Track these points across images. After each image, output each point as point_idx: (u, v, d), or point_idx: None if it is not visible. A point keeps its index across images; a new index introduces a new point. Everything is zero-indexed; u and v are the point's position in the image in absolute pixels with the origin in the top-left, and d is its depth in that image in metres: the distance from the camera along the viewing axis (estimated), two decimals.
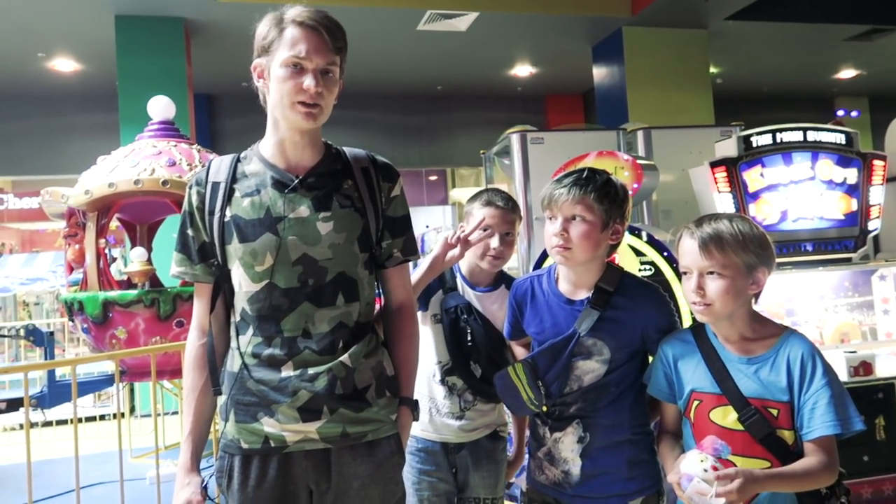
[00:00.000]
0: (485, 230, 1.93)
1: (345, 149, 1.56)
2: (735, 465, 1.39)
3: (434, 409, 1.95)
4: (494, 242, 1.94)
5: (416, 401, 1.58)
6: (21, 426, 5.59)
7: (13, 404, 3.72)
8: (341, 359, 1.42)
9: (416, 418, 1.58)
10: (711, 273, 1.48)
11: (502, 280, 2.04)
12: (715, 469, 1.35)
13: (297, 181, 1.46)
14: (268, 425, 1.41)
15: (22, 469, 4.44)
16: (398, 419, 1.51)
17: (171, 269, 1.54)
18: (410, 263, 1.63)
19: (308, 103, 1.40)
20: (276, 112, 1.46)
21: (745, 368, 1.49)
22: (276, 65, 1.41)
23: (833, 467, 1.42)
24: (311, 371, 1.41)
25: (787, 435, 1.45)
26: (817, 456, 1.41)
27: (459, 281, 2.00)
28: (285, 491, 1.42)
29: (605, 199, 1.60)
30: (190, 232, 1.50)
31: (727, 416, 1.48)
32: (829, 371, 1.45)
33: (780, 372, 1.46)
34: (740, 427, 1.46)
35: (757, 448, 1.45)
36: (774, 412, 1.45)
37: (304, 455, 1.42)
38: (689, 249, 1.51)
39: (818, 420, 1.41)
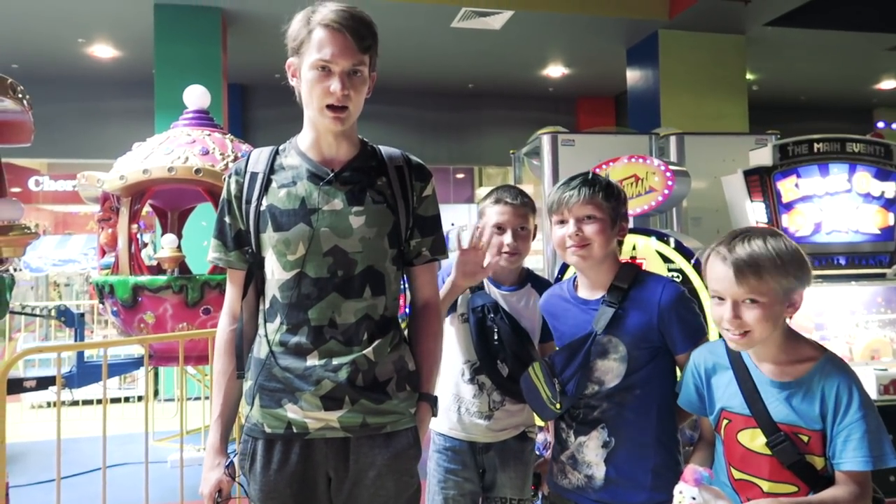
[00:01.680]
0: (498, 228, 1.94)
1: (380, 147, 1.60)
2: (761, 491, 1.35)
3: (463, 408, 1.96)
4: (508, 238, 1.94)
5: (436, 397, 1.61)
6: (49, 404, 5.72)
7: (42, 383, 3.81)
8: (365, 352, 1.46)
9: (434, 414, 1.60)
10: (747, 301, 1.38)
11: (528, 278, 2.04)
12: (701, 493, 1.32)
13: (332, 175, 1.49)
14: (291, 411, 1.44)
15: (46, 446, 4.56)
16: (417, 413, 1.55)
17: (208, 255, 1.58)
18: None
19: (336, 106, 1.43)
20: (309, 111, 1.50)
21: (776, 392, 1.42)
22: (306, 67, 1.45)
23: (865, 498, 1.36)
24: (335, 361, 1.44)
25: (818, 461, 1.39)
26: (848, 487, 1.35)
27: (486, 280, 2.00)
28: (305, 476, 1.46)
29: (611, 198, 1.66)
30: (227, 219, 1.54)
31: (755, 440, 1.42)
32: (865, 404, 1.37)
33: (815, 401, 1.39)
34: (768, 452, 1.41)
35: (785, 473, 1.40)
36: (805, 438, 1.39)
37: (324, 442, 1.46)
38: (722, 275, 1.40)
39: (850, 454, 1.34)
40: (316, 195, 1.48)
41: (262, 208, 1.49)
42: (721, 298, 1.42)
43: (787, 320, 1.47)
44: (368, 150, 1.57)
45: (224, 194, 1.55)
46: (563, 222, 1.66)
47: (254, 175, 1.52)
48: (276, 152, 1.56)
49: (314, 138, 1.53)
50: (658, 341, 1.62)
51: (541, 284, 2.05)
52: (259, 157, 1.55)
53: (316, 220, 1.46)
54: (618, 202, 1.67)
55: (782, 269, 1.37)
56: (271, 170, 1.52)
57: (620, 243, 1.72)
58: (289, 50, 1.50)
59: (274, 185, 1.50)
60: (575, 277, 1.76)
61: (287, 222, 1.46)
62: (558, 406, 1.64)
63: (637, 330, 1.61)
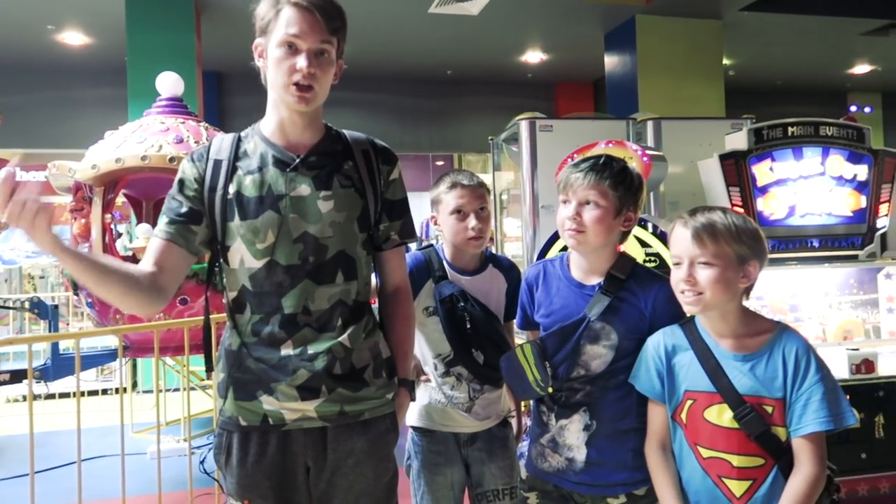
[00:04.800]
0: (458, 212, 1.91)
1: (345, 131, 1.58)
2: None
3: (443, 400, 1.92)
4: (472, 222, 1.90)
5: (413, 381, 1.62)
6: (24, 398, 5.64)
7: (17, 376, 3.75)
8: (340, 339, 1.44)
9: (412, 399, 1.61)
10: (703, 263, 1.47)
11: (489, 261, 2.02)
12: None
13: (298, 160, 1.47)
14: (267, 403, 1.43)
15: (23, 440, 4.48)
16: (395, 399, 1.55)
17: (154, 231, 1.51)
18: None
19: (302, 84, 1.41)
20: (274, 92, 1.47)
21: (739, 365, 1.48)
22: (273, 45, 1.43)
23: (823, 465, 1.41)
24: (310, 350, 1.43)
25: (781, 432, 1.45)
26: (804, 469, 1.40)
27: (448, 269, 1.96)
28: (284, 467, 1.45)
29: (619, 185, 1.62)
30: (178, 198, 1.48)
31: (722, 415, 1.47)
32: (822, 367, 1.45)
33: (777, 368, 1.45)
34: (735, 425, 1.45)
35: (751, 446, 1.45)
36: (769, 409, 1.45)
37: (302, 433, 1.45)
38: (681, 238, 1.50)
39: (810, 416, 1.41)
40: (282, 181, 1.45)
41: (229, 196, 1.46)
42: (679, 263, 1.50)
43: (745, 299, 1.53)
44: (333, 134, 1.55)
45: (178, 175, 1.50)
46: (566, 202, 1.65)
47: (217, 162, 1.49)
48: (239, 139, 1.53)
49: (278, 122, 1.50)
50: (647, 334, 1.63)
51: (501, 264, 2.04)
52: (222, 145, 1.52)
53: (284, 207, 1.44)
54: (628, 191, 1.63)
55: (736, 235, 1.47)
56: (236, 157, 1.49)
57: (626, 234, 1.68)
58: (256, 30, 1.47)
59: (239, 171, 1.47)
60: (566, 256, 1.75)
61: (254, 210, 1.44)
62: (551, 389, 1.64)
63: (630, 321, 1.62)
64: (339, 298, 1.46)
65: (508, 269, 2.04)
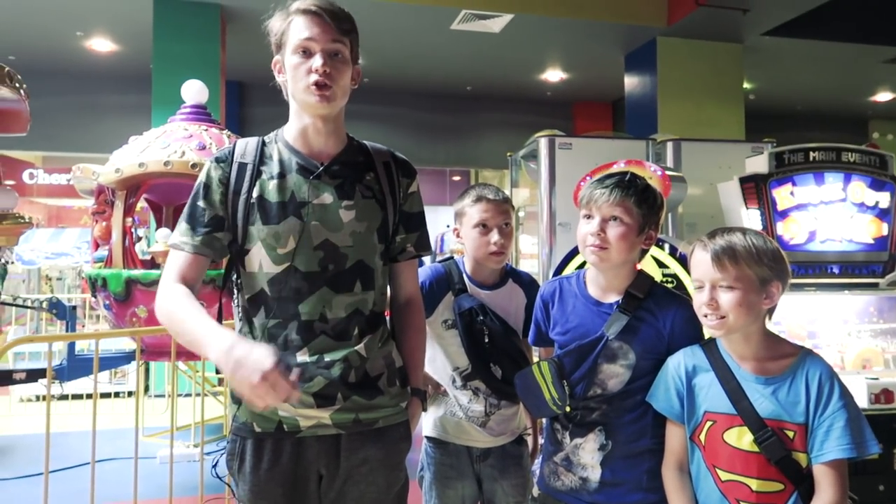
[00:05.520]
0: (483, 227, 1.90)
1: (367, 143, 1.59)
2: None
3: (460, 413, 1.92)
4: (494, 236, 1.90)
5: (425, 391, 1.62)
6: (37, 398, 5.68)
7: (32, 375, 3.78)
8: (356, 348, 1.45)
9: (424, 409, 1.61)
10: (724, 286, 1.46)
11: (509, 275, 2.01)
12: None
13: (321, 168, 1.48)
14: (282, 409, 1.43)
15: (34, 440, 4.54)
16: (408, 408, 1.55)
17: (171, 238, 1.51)
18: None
19: (320, 83, 1.42)
20: (296, 99, 1.49)
21: (761, 388, 1.46)
22: (288, 54, 1.46)
23: (844, 493, 1.39)
24: (327, 358, 1.43)
25: (802, 458, 1.43)
26: (831, 489, 1.38)
27: (467, 282, 1.96)
28: (296, 475, 1.45)
29: (643, 203, 1.61)
30: (201, 204, 1.48)
31: (742, 438, 1.45)
32: (845, 393, 1.43)
33: (800, 392, 1.44)
34: (755, 449, 1.43)
35: (771, 470, 1.43)
36: (791, 434, 1.43)
37: (315, 440, 1.44)
38: (701, 261, 1.49)
39: (833, 443, 1.39)
40: (306, 188, 1.46)
41: (252, 200, 1.46)
42: (701, 287, 1.49)
43: (768, 320, 1.52)
44: (355, 144, 1.57)
45: (203, 179, 1.49)
46: (589, 217, 1.64)
47: (242, 165, 1.49)
48: (263, 143, 1.53)
49: (301, 129, 1.51)
50: (665, 355, 1.61)
51: (521, 279, 2.03)
52: (246, 148, 1.52)
53: (306, 214, 1.45)
54: (650, 209, 1.63)
55: (757, 258, 1.46)
56: (260, 161, 1.50)
57: (644, 251, 1.68)
58: (273, 48, 1.50)
59: (263, 176, 1.48)
60: (583, 273, 1.74)
61: (277, 215, 1.45)
62: (568, 409, 1.63)
63: (648, 341, 1.61)
64: (356, 308, 1.46)
65: (528, 284, 2.04)
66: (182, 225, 1.49)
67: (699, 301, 1.49)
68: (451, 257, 2.04)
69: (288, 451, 1.44)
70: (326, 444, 1.45)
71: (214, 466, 1.51)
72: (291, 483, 1.44)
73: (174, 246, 1.48)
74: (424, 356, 1.66)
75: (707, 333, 1.56)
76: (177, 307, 1.40)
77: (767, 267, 1.46)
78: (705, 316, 1.49)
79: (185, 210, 1.50)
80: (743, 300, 1.45)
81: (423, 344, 1.64)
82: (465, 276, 1.97)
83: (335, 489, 1.46)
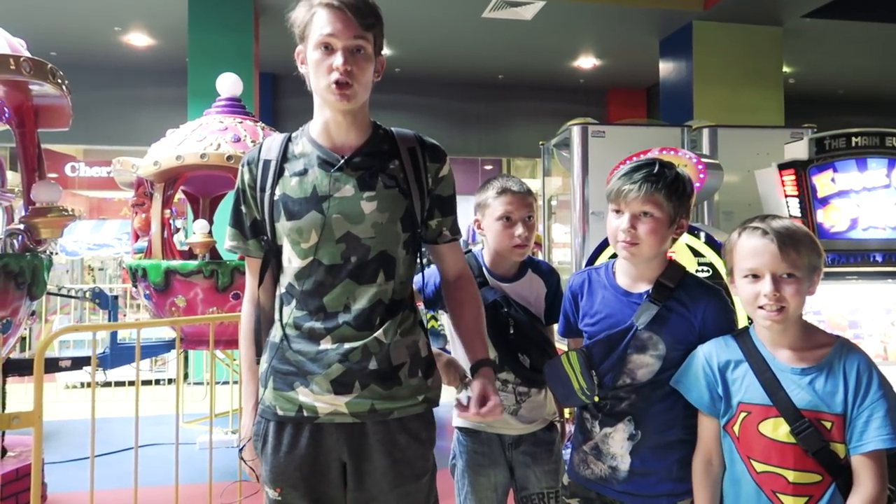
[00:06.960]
0: (507, 219, 1.89)
1: (393, 129, 1.58)
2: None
3: None
4: (518, 229, 1.89)
5: (494, 360, 1.64)
6: (82, 384, 5.86)
7: (77, 363, 3.90)
8: (375, 334, 1.45)
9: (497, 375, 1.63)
10: (788, 275, 1.41)
11: (527, 266, 2.00)
12: None
13: (342, 161, 1.49)
14: (302, 394, 1.45)
15: (78, 425, 4.68)
16: (481, 378, 1.53)
17: (225, 243, 1.60)
18: None
19: (341, 82, 1.42)
20: (317, 95, 1.50)
21: (797, 379, 1.43)
22: (310, 49, 1.45)
23: (884, 485, 1.37)
24: (347, 346, 1.44)
25: (840, 448, 1.40)
26: (870, 481, 1.36)
27: (487, 275, 1.95)
28: (316, 460, 1.46)
29: (673, 195, 1.58)
30: (243, 208, 1.55)
31: (778, 429, 1.43)
32: (885, 383, 1.41)
33: (838, 383, 1.41)
34: (792, 440, 1.41)
35: (808, 461, 1.41)
36: (828, 425, 1.40)
37: (335, 427, 1.46)
38: (762, 250, 1.43)
39: (872, 433, 1.36)
40: (326, 182, 1.47)
41: (276, 197, 1.49)
42: (756, 276, 1.45)
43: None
44: (380, 133, 1.56)
45: (238, 183, 1.56)
46: (618, 212, 1.61)
47: (266, 163, 1.52)
48: (289, 139, 1.55)
49: (323, 124, 1.52)
50: (695, 345, 1.59)
51: (540, 268, 2.02)
52: (272, 145, 1.55)
53: (327, 208, 1.46)
54: (681, 200, 1.58)
55: (813, 245, 1.44)
56: (284, 158, 1.52)
57: (674, 239, 1.65)
58: (296, 38, 1.50)
59: (286, 173, 1.50)
60: (612, 263, 1.73)
61: (299, 211, 1.47)
62: (597, 399, 1.62)
63: (679, 331, 1.59)
64: (378, 298, 1.47)
65: (547, 272, 2.03)
66: (230, 230, 1.58)
67: (755, 292, 1.44)
68: (470, 250, 2.03)
69: (307, 436, 1.46)
70: (349, 433, 1.46)
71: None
72: (309, 467, 1.46)
73: (229, 249, 1.59)
74: (485, 323, 1.63)
75: (758, 323, 1.50)
76: (244, 355, 1.62)
77: (817, 255, 1.45)
78: (762, 307, 1.44)
79: (231, 215, 1.57)
80: (803, 290, 1.42)
81: (482, 312, 1.63)
82: (484, 269, 1.97)
83: (359, 478, 1.47)
